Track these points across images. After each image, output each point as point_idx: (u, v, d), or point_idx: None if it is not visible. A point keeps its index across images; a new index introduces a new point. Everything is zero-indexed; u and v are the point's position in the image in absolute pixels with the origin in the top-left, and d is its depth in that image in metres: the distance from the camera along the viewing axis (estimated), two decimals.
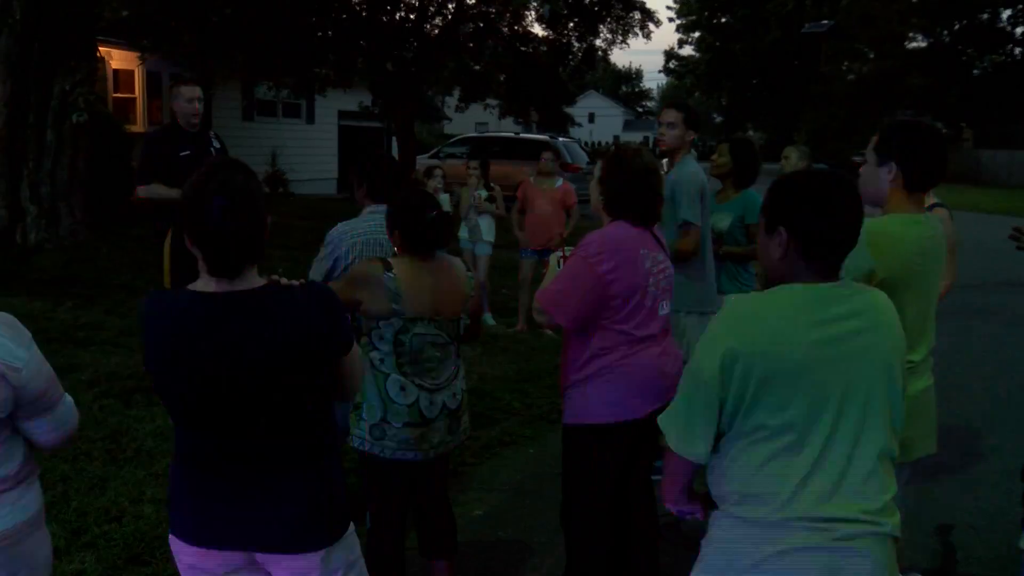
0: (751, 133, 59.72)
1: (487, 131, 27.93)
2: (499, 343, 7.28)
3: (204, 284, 1.94)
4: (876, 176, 2.52)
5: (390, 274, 2.83)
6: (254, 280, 1.95)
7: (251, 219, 1.88)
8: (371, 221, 3.52)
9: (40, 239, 9.28)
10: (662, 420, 2.02)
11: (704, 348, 1.93)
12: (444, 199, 8.03)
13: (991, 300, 10.41)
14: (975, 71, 43.00)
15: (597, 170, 3.10)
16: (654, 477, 3.83)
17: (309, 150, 20.77)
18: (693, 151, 4.61)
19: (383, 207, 3.22)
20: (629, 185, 2.99)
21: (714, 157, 5.13)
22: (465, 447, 4.92)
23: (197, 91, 4.87)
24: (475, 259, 8.25)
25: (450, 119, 25.75)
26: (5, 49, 8.80)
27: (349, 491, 3.72)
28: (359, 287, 2.82)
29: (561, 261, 3.16)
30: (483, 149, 17.71)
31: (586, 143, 31.82)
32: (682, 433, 1.95)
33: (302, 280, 2.07)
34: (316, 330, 1.94)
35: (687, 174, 4.34)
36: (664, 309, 3.02)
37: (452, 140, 22.51)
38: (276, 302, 1.93)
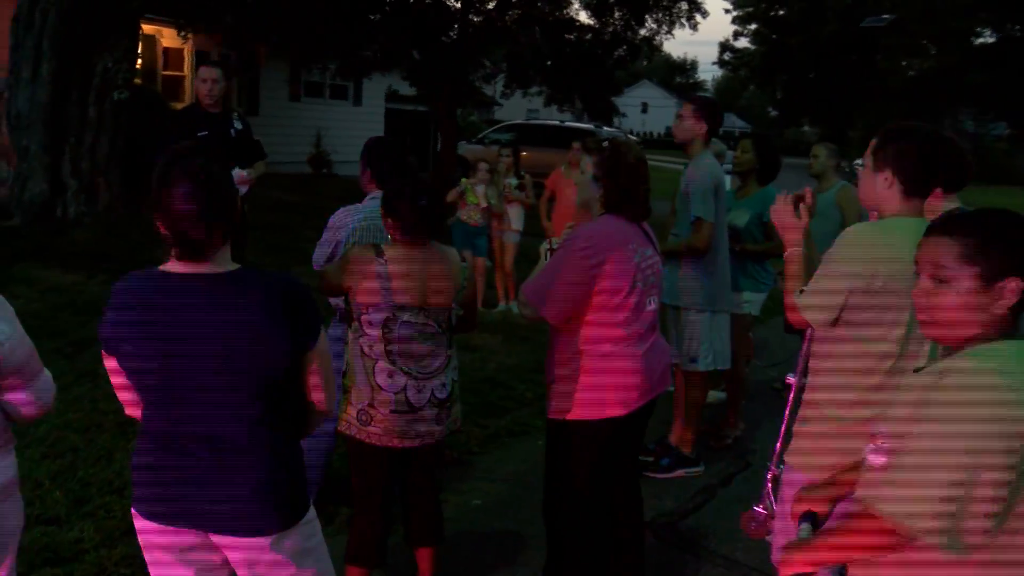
0: (806, 128, 58.71)
1: (535, 119, 27.88)
2: (519, 332, 7.23)
3: (172, 265, 1.97)
4: (872, 182, 2.49)
5: (381, 260, 2.83)
6: (223, 263, 1.98)
7: (213, 204, 1.90)
8: (372, 207, 3.52)
9: (79, 213, 9.47)
10: None
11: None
12: (480, 191, 7.94)
13: None
14: None
15: (589, 167, 3.04)
16: (645, 473, 3.80)
17: (354, 131, 20.89)
18: (719, 143, 4.51)
19: None
20: (631, 180, 2.97)
21: (736, 153, 5.05)
22: (471, 436, 4.90)
23: (214, 72, 4.91)
24: (503, 247, 8.23)
25: (501, 104, 25.64)
26: (52, 27, 8.99)
27: (336, 475, 3.67)
28: (350, 272, 2.85)
29: (548, 253, 3.12)
30: (528, 137, 17.66)
31: (637, 133, 31.54)
32: None
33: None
34: (271, 321, 1.93)
35: (701, 169, 4.26)
36: (651, 305, 2.97)
37: (497, 127, 22.48)
38: (236, 288, 1.94)
